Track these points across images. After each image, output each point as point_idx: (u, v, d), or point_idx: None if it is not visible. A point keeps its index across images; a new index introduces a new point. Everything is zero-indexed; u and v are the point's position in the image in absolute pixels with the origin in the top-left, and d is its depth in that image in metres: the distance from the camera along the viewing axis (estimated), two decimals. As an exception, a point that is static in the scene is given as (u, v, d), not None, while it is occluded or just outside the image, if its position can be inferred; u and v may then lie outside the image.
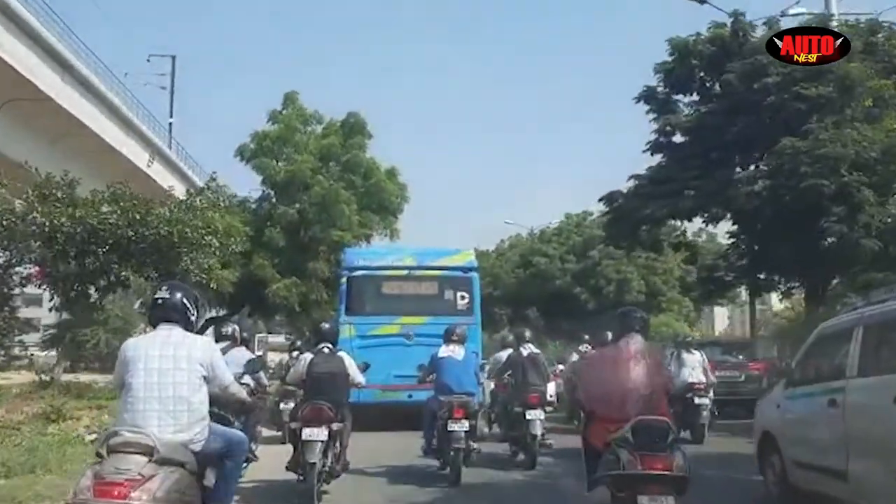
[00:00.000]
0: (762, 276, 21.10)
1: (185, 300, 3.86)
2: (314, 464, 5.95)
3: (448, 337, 7.91)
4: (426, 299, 12.57)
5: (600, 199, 20.89)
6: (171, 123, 43.75)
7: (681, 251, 23.05)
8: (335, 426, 6.18)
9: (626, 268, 33.49)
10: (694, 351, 11.34)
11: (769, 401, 6.85)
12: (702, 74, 19.67)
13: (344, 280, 12.78)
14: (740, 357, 16.65)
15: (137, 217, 12.55)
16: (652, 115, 20.27)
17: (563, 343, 37.33)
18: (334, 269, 19.73)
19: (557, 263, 35.37)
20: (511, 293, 36.83)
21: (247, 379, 6.20)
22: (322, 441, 6.03)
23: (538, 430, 8.13)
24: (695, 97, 20.25)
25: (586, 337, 13.69)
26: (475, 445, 7.58)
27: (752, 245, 20.38)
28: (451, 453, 7.16)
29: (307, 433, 6.03)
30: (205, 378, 3.76)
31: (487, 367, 11.10)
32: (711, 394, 10.89)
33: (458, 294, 12.56)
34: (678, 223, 21.82)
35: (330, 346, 6.77)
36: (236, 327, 7.89)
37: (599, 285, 33.69)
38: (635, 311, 5.15)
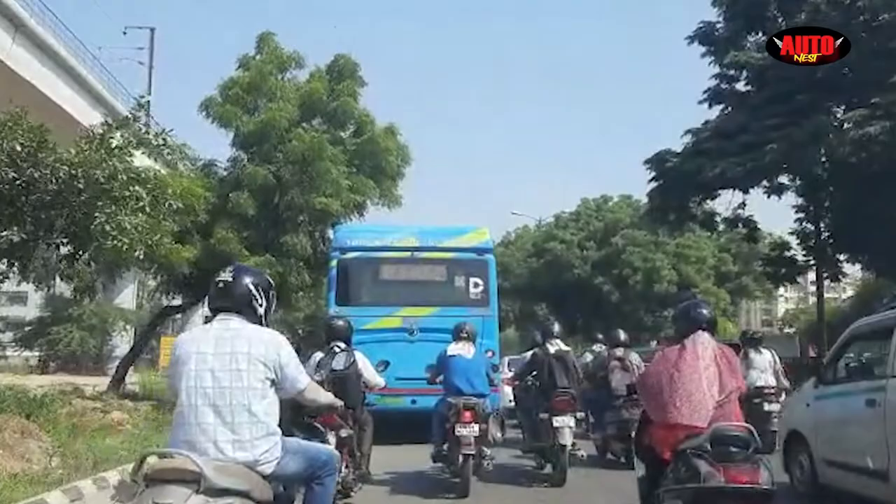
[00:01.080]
0: (842, 257, 17.37)
1: (252, 286, 3.17)
2: None
3: (457, 334, 7.34)
4: (433, 286, 11.08)
5: (646, 162, 17.13)
6: (148, 101, 40.19)
7: (737, 228, 19.06)
8: (343, 433, 5.72)
9: (655, 255, 29.67)
10: (763, 350, 9.78)
11: (797, 400, 6.83)
12: (775, 8, 15.91)
13: (334, 263, 11.04)
14: None
15: (20, 150, 8.59)
16: (710, 58, 16.65)
17: (577, 342, 33.67)
18: (318, 246, 15.95)
19: (576, 251, 31.46)
20: (522, 285, 33.01)
21: None
22: None
23: (568, 440, 7.23)
24: (761, 37, 16.54)
25: (599, 336, 12.74)
26: (488, 452, 7.14)
27: (822, 219, 16.71)
28: (460, 460, 6.70)
29: None
30: (272, 381, 3.05)
31: (512, 367, 10.44)
32: (783, 398, 9.41)
33: (471, 280, 10.95)
34: (729, 194, 18.09)
35: (342, 344, 6.30)
36: None
37: (624, 275, 29.85)
38: (701, 304, 4.62)
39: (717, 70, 16.30)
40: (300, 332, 46.25)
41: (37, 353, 37.26)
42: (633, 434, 4.72)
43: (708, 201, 18.01)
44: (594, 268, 30.96)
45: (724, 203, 18.25)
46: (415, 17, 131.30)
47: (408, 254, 11.10)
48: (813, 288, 64.73)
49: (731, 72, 16.04)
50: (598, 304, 30.25)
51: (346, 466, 5.79)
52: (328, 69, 16.60)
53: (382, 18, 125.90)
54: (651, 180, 17.45)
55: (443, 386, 7.18)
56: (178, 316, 53.75)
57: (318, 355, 6.31)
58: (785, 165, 14.58)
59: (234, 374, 2.97)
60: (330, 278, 11.25)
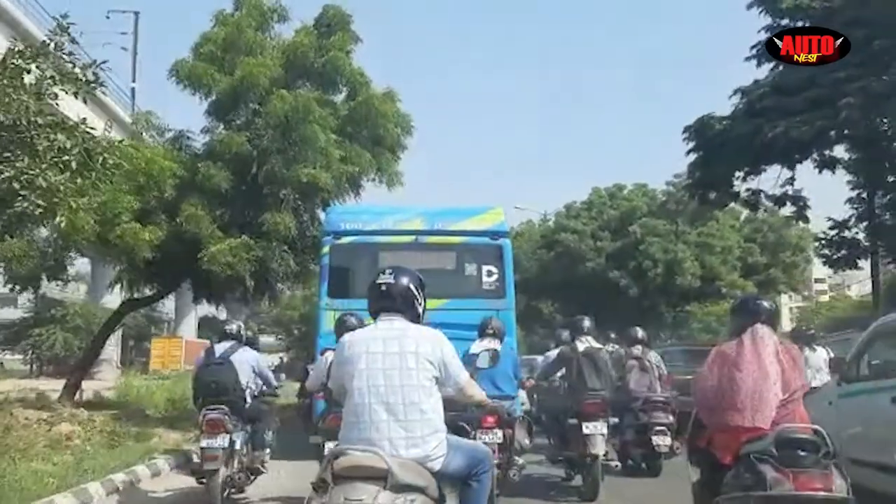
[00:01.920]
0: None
1: (412, 286, 3.37)
2: None
3: (483, 330, 6.87)
4: (440, 276, 9.74)
5: (686, 130, 14.81)
6: (133, 88, 38.26)
7: (784, 206, 16.71)
8: None
9: (676, 246, 27.33)
10: (817, 347, 9.33)
11: (819, 398, 6.59)
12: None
13: (326, 249, 9.93)
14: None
15: None
16: (759, 9, 14.35)
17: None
18: (306, 228, 13.67)
19: (589, 241, 29.10)
20: (530, 279, 30.62)
21: (254, 381, 6.87)
22: None
23: (600, 449, 6.67)
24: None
25: (613, 336, 12.20)
26: (520, 461, 6.56)
27: (883, 194, 14.49)
28: None
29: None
30: (436, 379, 3.14)
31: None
32: None
33: (485, 268, 9.86)
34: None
35: None
36: (241, 325, 7.51)
37: (644, 267, 27.48)
38: (760, 297, 4.69)
39: (767, 21, 14.00)
40: (295, 332, 43.94)
41: (19, 357, 35.59)
42: (687, 437, 4.45)
43: (751, 177, 15.75)
44: (609, 260, 28.64)
45: (769, 181, 16.05)
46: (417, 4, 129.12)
47: (411, 238, 9.89)
48: (818, 287, 61.94)
49: (785, 21, 13.72)
50: (613, 299, 27.90)
51: None
52: (316, 23, 14.20)
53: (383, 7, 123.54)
54: (690, 151, 15.13)
55: None
56: (171, 317, 51.31)
57: (331, 356, 5.71)
58: (855, 125, 12.24)
59: (405, 372, 3.02)
60: (322, 267, 10.04)
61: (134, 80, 37.99)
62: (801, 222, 16.59)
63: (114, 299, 33.23)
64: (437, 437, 3.04)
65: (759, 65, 14.26)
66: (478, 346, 6.60)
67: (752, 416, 3.67)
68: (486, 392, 6.28)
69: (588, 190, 32.04)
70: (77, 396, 13.78)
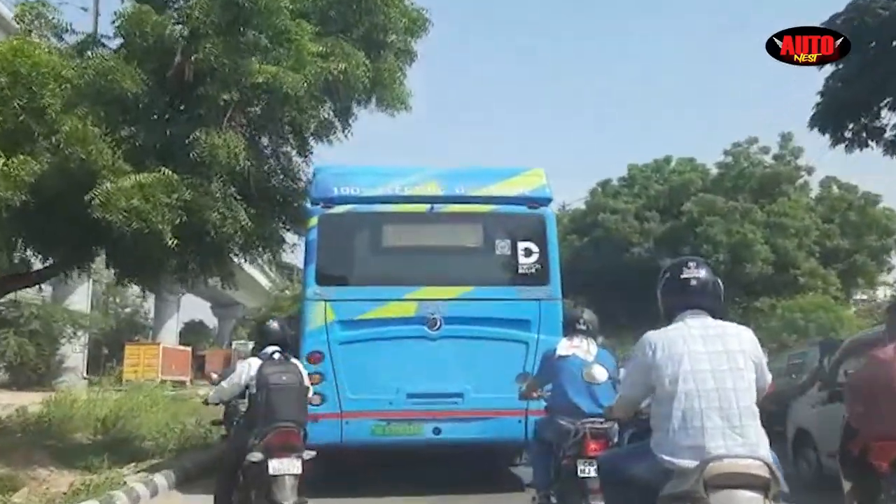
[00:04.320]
0: None
1: (717, 279, 3.09)
2: None
3: (570, 325, 5.62)
4: (463, 256, 8.40)
5: (831, 25, 10.23)
6: (96, 54, 34.08)
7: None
8: (307, 455, 5.01)
9: (743, 226, 22.67)
10: None
11: (805, 401, 7.96)
12: None
13: (314, 221, 8.12)
14: None
15: None
16: None
17: (628, 342, 26.84)
18: (266, 163, 9.18)
19: (633, 223, 24.46)
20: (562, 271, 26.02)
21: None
22: (296, 475, 4.91)
23: None
24: None
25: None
26: None
27: None
28: None
29: (276, 466, 4.82)
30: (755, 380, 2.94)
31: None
32: None
33: (521, 246, 8.02)
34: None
35: (280, 350, 5.46)
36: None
37: (703, 252, 22.83)
38: None
39: None
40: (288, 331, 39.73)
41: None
42: (839, 445, 4.37)
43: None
44: (658, 244, 24.02)
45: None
46: None
47: (425, 207, 8.31)
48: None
49: None
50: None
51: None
52: None
53: None
54: (823, 61, 10.48)
55: (549, 402, 5.52)
56: (151, 318, 46.42)
57: (255, 363, 5.33)
58: None
59: (736, 374, 2.83)
60: (308, 244, 8.44)
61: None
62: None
63: (79, 299, 29.13)
64: (766, 443, 2.82)
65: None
66: (565, 347, 5.38)
67: None
68: (583, 408, 5.09)
69: (600, 177, 27.48)
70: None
